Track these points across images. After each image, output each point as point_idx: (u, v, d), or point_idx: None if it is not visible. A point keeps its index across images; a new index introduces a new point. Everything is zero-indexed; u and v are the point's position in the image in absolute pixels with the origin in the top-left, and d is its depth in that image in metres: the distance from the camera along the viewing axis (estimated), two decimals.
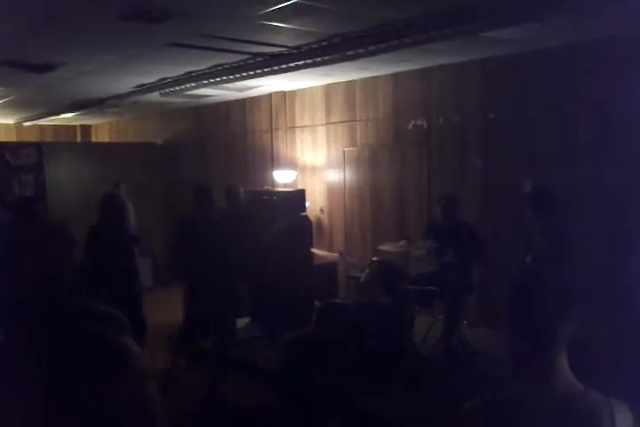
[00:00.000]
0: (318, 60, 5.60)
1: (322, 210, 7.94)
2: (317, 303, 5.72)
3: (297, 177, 8.15)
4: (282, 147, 8.55)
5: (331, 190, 7.88)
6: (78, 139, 13.22)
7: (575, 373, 1.46)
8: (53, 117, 10.52)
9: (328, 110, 7.84)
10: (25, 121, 11.41)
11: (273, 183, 8.23)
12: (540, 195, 4.85)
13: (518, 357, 1.51)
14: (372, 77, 7.20)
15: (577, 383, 1.45)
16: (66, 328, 1.57)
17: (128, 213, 6.21)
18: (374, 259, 5.64)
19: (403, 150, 6.98)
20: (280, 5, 4.07)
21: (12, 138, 11.99)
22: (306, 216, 6.81)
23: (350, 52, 5.33)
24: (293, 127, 8.35)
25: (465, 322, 5.97)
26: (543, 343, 1.44)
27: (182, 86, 7.14)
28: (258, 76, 6.37)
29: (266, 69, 6.03)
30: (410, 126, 6.86)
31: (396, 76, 6.97)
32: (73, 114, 9.96)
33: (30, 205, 4.80)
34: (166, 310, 7.15)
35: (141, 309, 5.34)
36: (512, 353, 1.53)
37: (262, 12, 4.26)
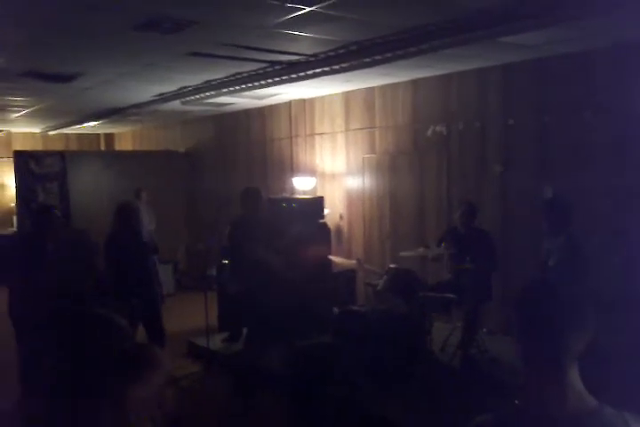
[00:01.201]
0: (336, 67, 5.62)
1: (341, 216, 7.94)
2: (336, 310, 5.72)
3: (316, 184, 8.16)
4: (301, 154, 8.57)
5: (350, 197, 7.87)
6: (102, 147, 13.42)
7: (588, 387, 1.43)
8: (77, 126, 10.69)
9: (347, 117, 7.85)
10: (50, 130, 11.62)
11: (292, 190, 8.24)
12: (556, 204, 4.75)
13: (529, 369, 1.48)
14: (391, 84, 7.19)
15: (590, 397, 1.42)
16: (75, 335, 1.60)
17: (143, 222, 6.27)
18: (392, 266, 5.61)
19: (422, 157, 6.95)
20: (296, 13, 4.10)
21: (38, 146, 12.22)
22: (324, 223, 6.81)
23: (368, 59, 5.33)
24: (313, 134, 8.37)
25: (484, 330, 5.90)
26: (554, 356, 1.41)
27: (202, 95, 7.20)
28: (276, 84, 6.40)
29: (284, 77, 6.07)
30: (429, 132, 6.83)
31: (415, 82, 6.95)
32: (96, 122, 10.11)
33: (49, 212, 4.87)
34: (187, 315, 7.20)
35: (159, 315, 5.39)
36: (523, 366, 1.50)
37: (279, 21, 4.29)
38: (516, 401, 1.48)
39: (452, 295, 5.20)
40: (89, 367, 1.55)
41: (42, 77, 6.19)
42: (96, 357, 1.56)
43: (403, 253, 5.86)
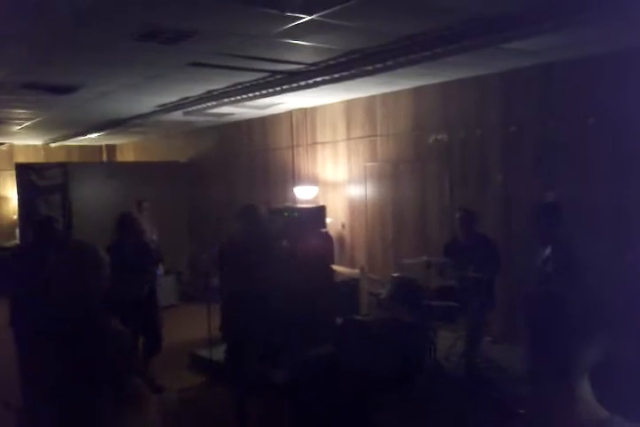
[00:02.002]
0: (337, 76, 5.61)
1: (343, 225, 7.91)
2: (338, 320, 5.67)
3: (318, 193, 8.14)
4: (303, 163, 8.56)
5: (352, 206, 7.85)
6: (104, 158, 13.43)
7: (599, 398, 1.39)
8: (79, 138, 10.70)
9: (349, 126, 7.84)
10: (52, 142, 11.63)
11: (294, 200, 8.22)
12: (546, 210, 4.66)
13: (538, 380, 1.45)
14: (392, 92, 7.19)
15: (600, 409, 1.38)
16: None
17: (145, 232, 6.27)
18: (395, 275, 5.58)
19: (424, 165, 6.93)
20: (296, 23, 4.09)
21: (40, 159, 12.23)
22: (327, 232, 6.78)
23: (369, 68, 5.33)
24: (314, 143, 8.37)
25: (489, 338, 5.85)
26: (563, 368, 1.38)
27: (204, 105, 7.21)
28: (277, 94, 6.40)
29: (285, 87, 6.07)
30: (431, 140, 6.81)
31: (416, 90, 6.95)
32: (98, 134, 10.12)
33: (49, 224, 4.85)
34: (190, 327, 7.16)
35: (159, 326, 5.40)
36: (532, 377, 1.47)
37: (279, 30, 4.28)
38: (522, 410, 1.45)
39: (455, 304, 5.16)
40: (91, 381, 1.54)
41: (43, 89, 6.20)
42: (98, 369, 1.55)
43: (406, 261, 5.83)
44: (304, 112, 8.47)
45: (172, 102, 7.41)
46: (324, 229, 7.04)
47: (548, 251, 4.53)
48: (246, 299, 5.71)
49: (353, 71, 5.46)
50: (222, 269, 5.98)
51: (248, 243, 5.83)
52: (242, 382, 5.32)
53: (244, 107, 7.74)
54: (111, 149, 13.47)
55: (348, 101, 7.78)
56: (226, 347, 6.05)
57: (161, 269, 7.24)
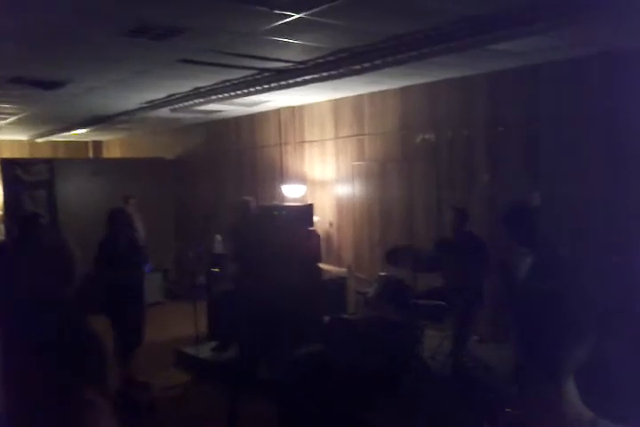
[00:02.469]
0: (325, 74, 5.61)
1: (331, 224, 7.92)
2: (326, 318, 5.69)
3: (306, 191, 8.14)
4: (291, 161, 8.56)
5: (340, 205, 7.86)
6: (90, 154, 13.34)
7: (585, 400, 1.41)
8: (65, 133, 10.62)
9: (337, 125, 7.85)
10: (38, 137, 11.53)
11: (282, 198, 8.22)
12: (516, 215, 4.49)
13: (525, 380, 1.46)
14: (380, 91, 7.21)
15: (586, 411, 1.39)
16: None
17: (136, 227, 6.27)
18: (382, 274, 5.59)
19: (411, 164, 6.95)
20: (285, 20, 4.09)
21: (26, 154, 12.12)
22: (314, 231, 6.79)
23: (357, 67, 5.34)
24: (302, 142, 8.36)
25: (476, 337, 5.89)
26: (551, 368, 1.39)
27: (191, 102, 7.18)
28: (265, 92, 6.39)
29: (273, 84, 6.06)
30: (418, 140, 6.84)
31: (403, 90, 6.97)
32: (84, 130, 10.05)
33: (34, 220, 4.81)
34: (176, 325, 7.15)
35: (142, 321, 5.41)
36: (518, 378, 1.48)
37: (267, 28, 4.28)
38: (508, 409, 1.46)
39: (442, 303, 5.18)
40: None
41: (29, 84, 6.14)
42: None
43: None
44: (292, 110, 8.46)
45: (159, 99, 7.37)
46: (311, 228, 7.05)
47: (525, 251, 4.50)
48: (235, 297, 5.73)
49: (341, 70, 5.46)
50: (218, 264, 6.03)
51: (239, 240, 5.85)
52: (231, 379, 5.32)
53: (232, 104, 7.73)
54: (98, 145, 13.38)
55: (336, 100, 7.79)
56: (214, 345, 6.07)
57: (150, 265, 7.22)
